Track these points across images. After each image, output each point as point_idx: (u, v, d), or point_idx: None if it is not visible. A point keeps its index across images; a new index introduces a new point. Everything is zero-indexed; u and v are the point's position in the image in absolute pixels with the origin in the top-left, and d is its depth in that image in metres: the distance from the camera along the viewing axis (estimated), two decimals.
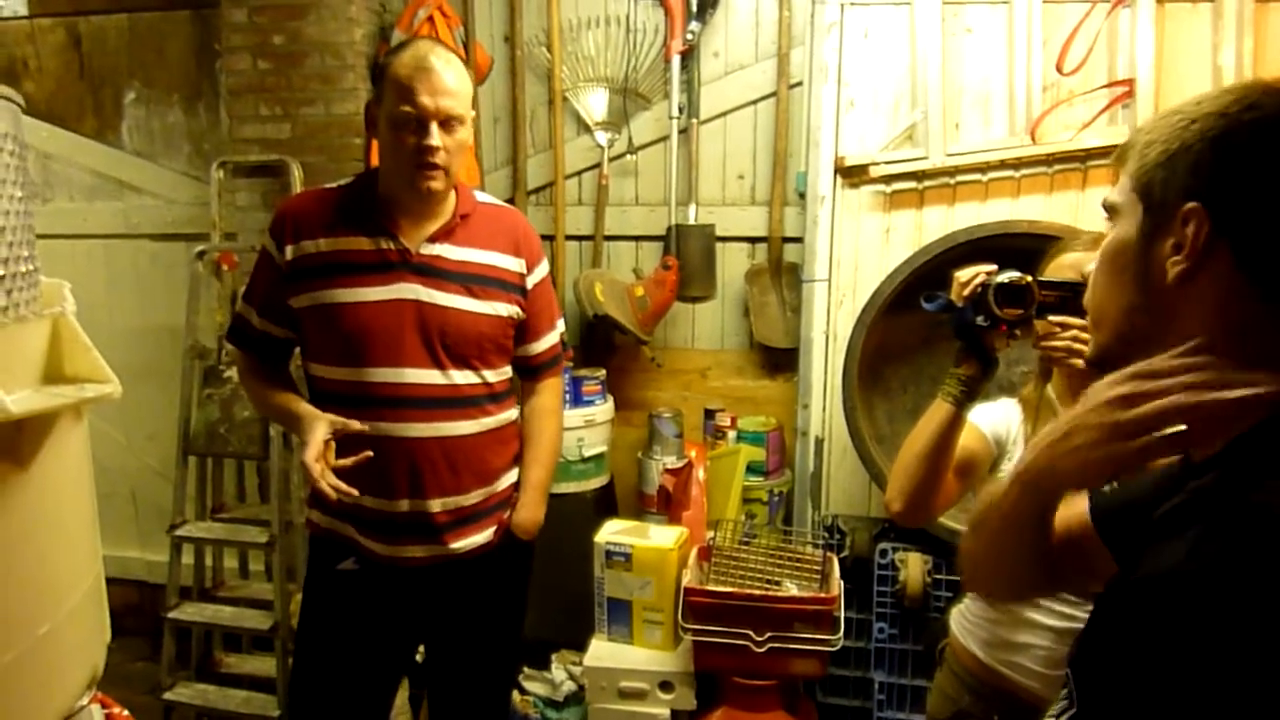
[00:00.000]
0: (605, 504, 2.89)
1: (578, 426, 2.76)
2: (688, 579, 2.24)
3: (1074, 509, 0.95)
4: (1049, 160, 2.37)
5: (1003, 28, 2.39)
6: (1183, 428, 0.69)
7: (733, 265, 3.00)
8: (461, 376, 1.74)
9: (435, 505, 1.74)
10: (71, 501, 0.89)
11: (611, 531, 2.39)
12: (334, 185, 1.82)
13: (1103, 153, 2.31)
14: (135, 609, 3.53)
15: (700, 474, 2.63)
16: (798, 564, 2.31)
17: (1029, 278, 1.34)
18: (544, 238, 2.96)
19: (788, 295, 2.90)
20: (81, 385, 0.85)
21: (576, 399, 2.81)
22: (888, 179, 2.46)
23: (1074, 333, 1.35)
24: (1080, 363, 1.34)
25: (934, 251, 2.30)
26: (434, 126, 1.63)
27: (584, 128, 3.03)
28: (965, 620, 1.64)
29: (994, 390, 2.36)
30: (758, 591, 2.18)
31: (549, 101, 3.01)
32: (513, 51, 3.01)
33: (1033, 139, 2.36)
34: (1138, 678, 0.63)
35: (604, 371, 2.92)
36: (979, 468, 1.58)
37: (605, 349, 3.08)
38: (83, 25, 3.35)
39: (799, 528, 2.64)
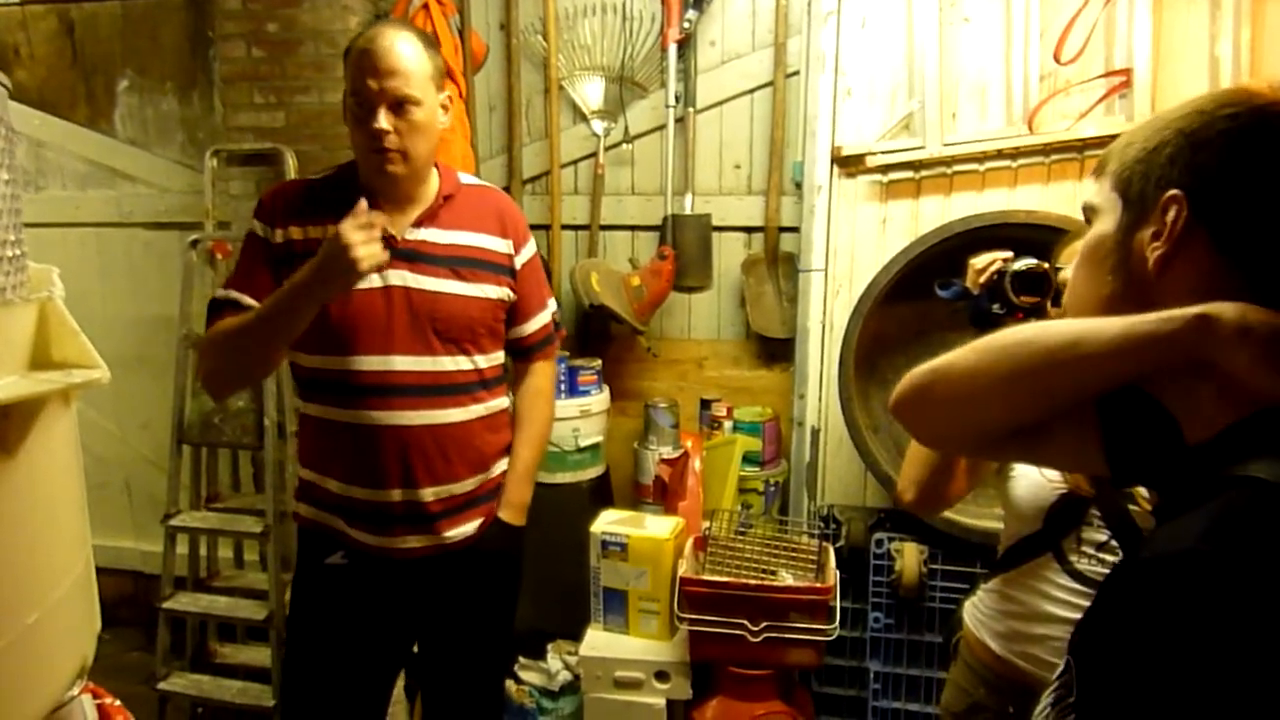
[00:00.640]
0: (601, 494, 2.88)
1: (573, 416, 2.75)
2: (683, 569, 2.24)
3: None
4: (1046, 150, 2.36)
5: (1000, 17, 2.38)
6: None
7: (729, 255, 2.99)
8: (453, 362, 1.73)
9: (428, 494, 1.72)
10: (60, 489, 0.89)
11: (607, 522, 2.39)
12: (316, 175, 1.81)
13: (1100, 143, 2.30)
14: (130, 599, 3.52)
15: (696, 464, 2.62)
16: (793, 554, 2.31)
17: (1045, 265, 1.34)
18: (540, 227, 2.98)
19: (784, 285, 2.90)
20: (69, 371, 0.84)
21: (572, 389, 2.80)
22: (884, 169, 2.45)
23: None
24: None
25: (930, 241, 2.30)
26: (381, 110, 1.60)
27: (580, 116, 3.02)
28: (979, 613, 1.62)
29: None
30: (753, 581, 2.18)
31: (545, 90, 3.00)
32: (508, 40, 2.99)
33: (1030, 129, 2.35)
34: (1143, 662, 0.62)
35: (600, 361, 2.91)
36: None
37: (601, 339, 3.07)
38: (75, 12, 3.33)
39: (795, 518, 2.63)
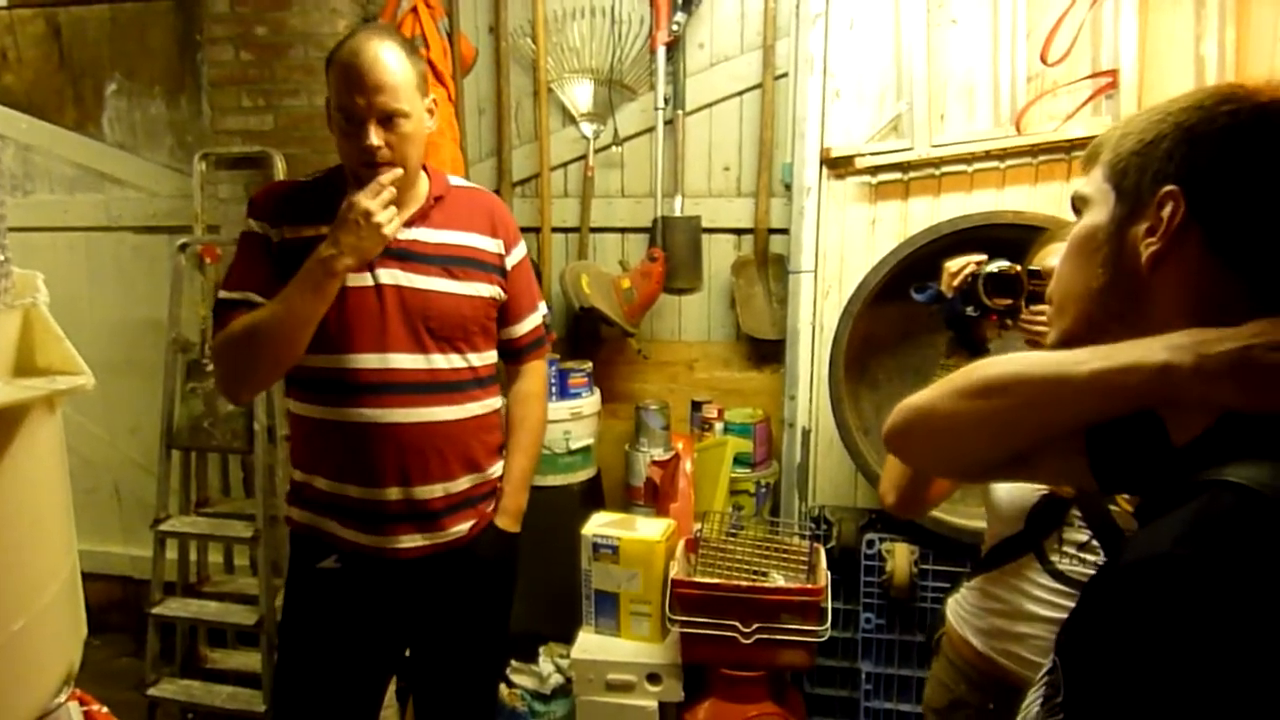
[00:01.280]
0: (592, 497, 2.88)
1: (564, 419, 2.75)
2: (675, 571, 2.24)
3: None
4: (1034, 151, 2.37)
5: (987, 18, 2.39)
6: None
7: (719, 257, 2.99)
8: (446, 361, 1.73)
9: (423, 492, 1.73)
10: (45, 494, 0.88)
11: (599, 524, 2.39)
12: (306, 178, 1.80)
13: (1087, 143, 2.30)
14: (119, 605, 3.50)
15: (687, 466, 2.62)
16: (785, 555, 2.31)
17: (1018, 267, 1.34)
18: (529, 230, 2.98)
19: (774, 287, 2.90)
20: (53, 377, 0.83)
21: (563, 391, 2.80)
22: (873, 170, 2.45)
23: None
24: None
25: (920, 242, 2.31)
26: (371, 126, 1.60)
27: (569, 119, 3.02)
28: (962, 610, 1.63)
29: None
30: (745, 583, 2.18)
31: (534, 93, 3.00)
32: (497, 42, 2.99)
33: (1018, 130, 2.36)
34: (1127, 665, 0.63)
35: (590, 364, 2.91)
36: None
37: (592, 341, 3.07)
38: (62, 15, 3.32)
39: (786, 519, 2.64)
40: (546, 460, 2.73)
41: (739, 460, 2.78)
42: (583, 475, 2.85)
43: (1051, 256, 0.90)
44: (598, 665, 2.29)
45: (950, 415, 0.87)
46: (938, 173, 2.43)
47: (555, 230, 3.05)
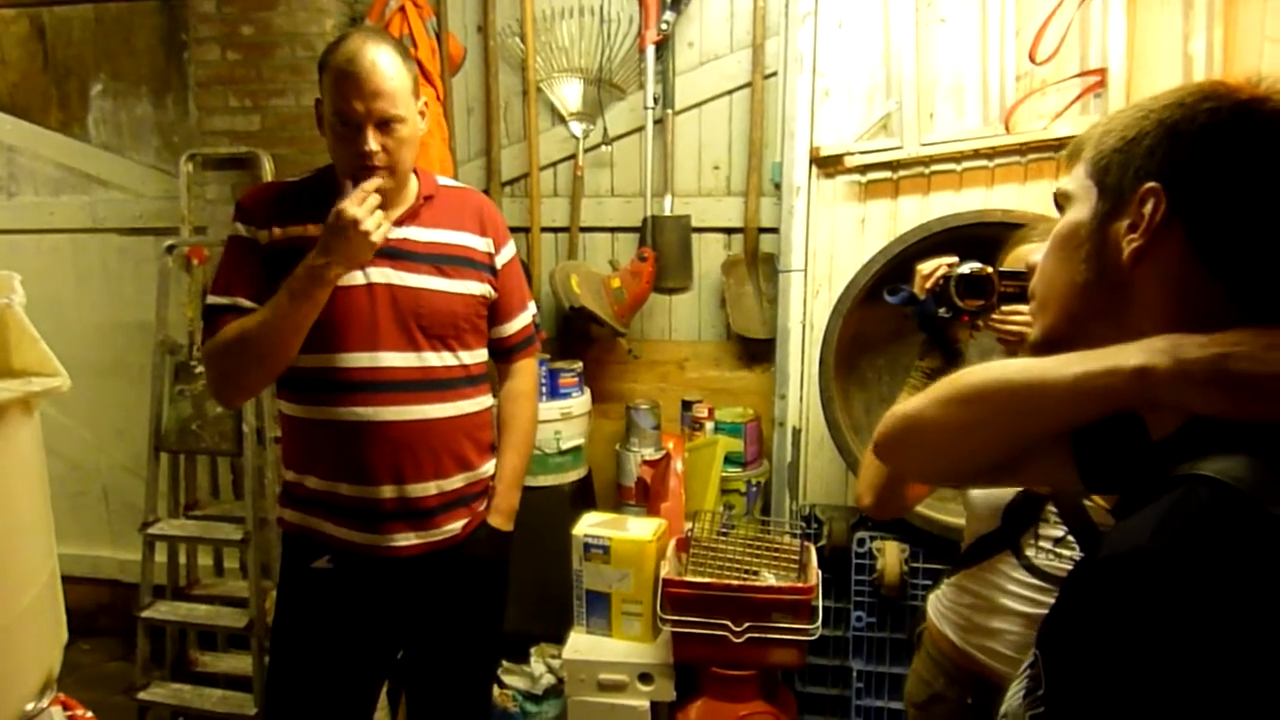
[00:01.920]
0: (583, 497, 2.88)
1: (554, 419, 2.74)
2: (666, 570, 2.24)
3: None
4: (1023, 150, 2.37)
5: (976, 17, 2.39)
6: None
7: (709, 256, 2.99)
8: (438, 359, 1.74)
9: (417, 490, 1.73)
10: (22, 497, 0.87)
11: (589, 524, 2.38)
12: (295, 178, 1.81)
13: None
14: (108, 609, 3.49)
15: (678, 465, 2.62)
16: (776, 554, 2.31)
17: (990, 269, 1.34)
18: (519, 229, 2.97)
19: (764, 286, 2.90)
20: (29, 379, 0.82)
21: (553, 391, 2.79)
22: (863, 169, 2.45)
23: (1025, 317, 1.35)
24: None
25: (909, 241, 2.31)
26: (369, 131, 1.60)
27: (559, 118, 3.01)
28: (941, 605, 1.65)
29: None
30: (736, 582, 2.18)
31: (523, 92, 2.99)
32: (486, 42, 2.98)
33: (1006, 129, 2.36)
34: (1107, 660, 0.64)
35: (581, 364, 2.90)
36: None
37: (582, 341, 3.07)
38: (47, 15, 3.30)
39: (777, 518, 2.64)
40: (537, 460, 2.73)
41: (730, 459, 2.77)
42: (573, 475, 2.85)
43: (1035, 254, 0.90)
44: (589, 665, 2.28)
45: (937, 423, 0.89)
46: (927, 171, 2.44)
47: (545, 230, 3.04)
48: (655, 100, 2.88)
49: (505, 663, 2.73)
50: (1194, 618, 0.59)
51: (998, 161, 2.39)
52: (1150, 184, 0.73)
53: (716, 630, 2.12)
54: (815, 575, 2.19)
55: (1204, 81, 0.77)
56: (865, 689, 2.52)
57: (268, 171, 2.83)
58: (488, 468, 1.88)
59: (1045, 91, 2.36)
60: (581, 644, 2.33)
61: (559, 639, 2.44)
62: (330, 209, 1.62)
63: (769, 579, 2.22)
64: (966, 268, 1.35)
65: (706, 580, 2.18)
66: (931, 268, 1.39)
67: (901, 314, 1.49)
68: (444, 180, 1.87)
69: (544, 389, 2.74)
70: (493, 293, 1.83)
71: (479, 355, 1.84)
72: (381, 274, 1.69)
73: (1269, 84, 0.73)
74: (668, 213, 2.93)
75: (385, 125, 1.62)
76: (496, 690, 2.65)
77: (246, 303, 1.67)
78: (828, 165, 2.49)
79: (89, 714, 0.96)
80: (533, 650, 2.75)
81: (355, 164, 1.63)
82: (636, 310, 2.92)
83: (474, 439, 1.83)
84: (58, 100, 3.35)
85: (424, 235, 1.75)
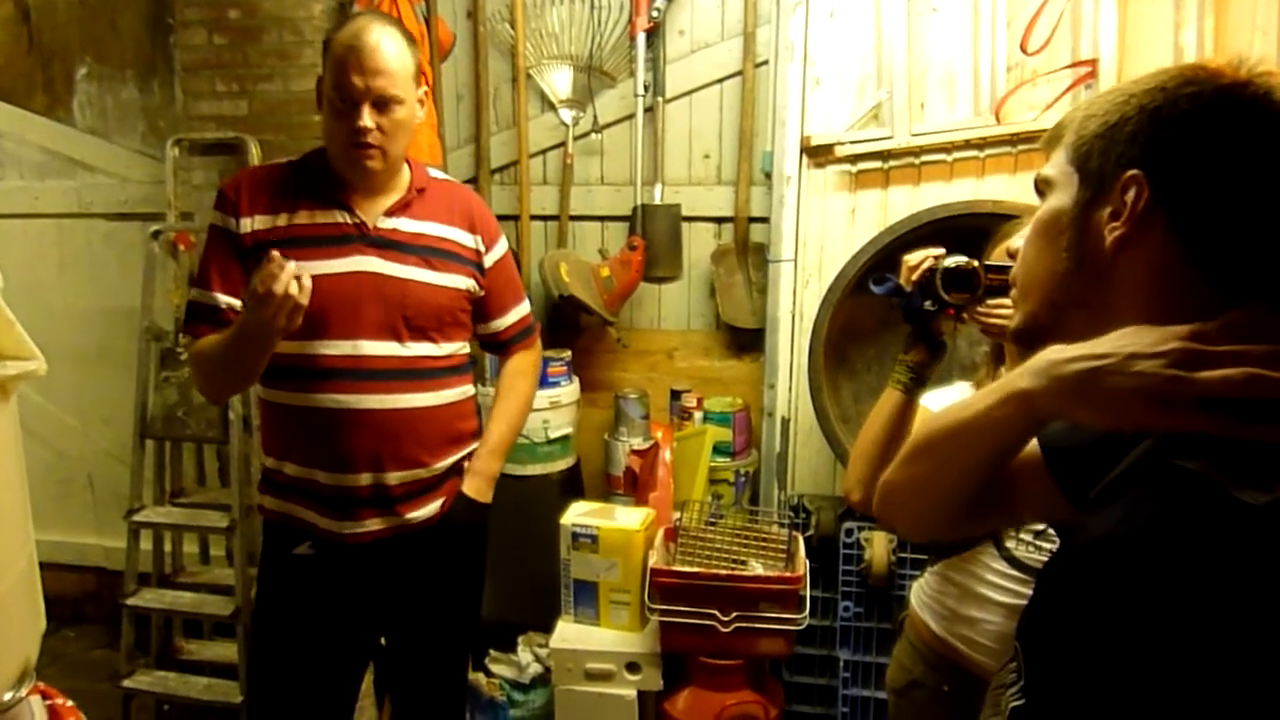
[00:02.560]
0: (571, 486, 2.87)
1: (543, 408, 2.74)
2: (654, 560, 2.24)
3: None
4: (1013, 140, 2.37)
5: (968, 7, 2.38)
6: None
7: (699, 245, 2.98)
8: (420, 349, 1.74)
9: (394, 478, 1.74)
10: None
11: (578, 513, 2.38)
12: (284, 161, 1.80)
13: None
14: (93, 596, 3.48)
15: (667, 455, 2.62)
16: (764, 544, 2.31)
17: (975, 262, 1.33)
18: (508, 217, 2.96)
19: (754, 275, 2.89)
20: (4, 363, 0.81)
21: (542, 380, 2.75)
22: (853, 159, 2.45)
23: (1009, 309, 1.34)
24: None
25: (899, 231, 2.30)
26: (365, 108, 1.61)
27: (548, 105, 2.99)
28: (923, 593, 1.68)
29: (956, 370, 2.38)
30: (724, 571, 2.18)
31: (512, 79, 2.97)
32: (475, 28, 2.96)
33: (997, 119, 2.36)
34: (1082, 645, 0.65)
35: (569, 353, 2.89)
36: None
37: (571, 330, 3.06)
38: None
39: (765, 507, 2.64)
40: (525, 449, 2.72)
41: (718, 449, 2.77)
42: (562, 464, 2.85)
43: (1017, 239, 0.90)
44: (577, 654, 2.28)
45: (904, 483, 0.95)
46: (917, 161, 2.43)
47: (534, 218, 3.03)
48: (646, 88, 2.86)
49: (492, 652, 2.73)
50: (1164, 603, 0.61)
51: (988, 152, 2.39)
52: (1132, 171, 0.73)
53: (704, 620, 2.12)
54: (803, 565, 2.20)
55: (1185, 65, 0.76)
56: (852, 678, 2.53)
57: (255, 157, 2.81)
58: (466, 452, 1.88)
59: (1036, 82, 2.36)
60: (569, 633, 2.33)
61: (546, 628, 2.44)
62: (321, 196, 1.68)
63: (757, 569, 2.23)
64: (952, 260, 1.34)
65: (694, 570, 2.18)
66: (917, 259, 1.38)
67: (888, 304, 1.48)
68: (436, 173, 1.88)
69: (540, 366, 2.73)
70: (478, 289, 1.84)
71: (460, 347, 1.84)
72: (369, 264, 1.69)
73: (1249, 67, 0.72)
74: (658, 201, 2.92)
75: (383, 105, 1.62)
76: (484, 679, 2.65)
77: (223, 297, 1.70)
78: (818, 155, 2.48)
79: (69, 703, 0.95)
80: (520, 639, 2.75)
81: (348, 141, 1.63)
82: (626, 299, 2.91)
83: (455, 428, 1.83)
84: (42, 84, 3.31)
85: (412, 227, 1.75)
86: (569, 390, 2.84)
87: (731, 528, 2.38)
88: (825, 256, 2.52)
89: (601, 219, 3.03)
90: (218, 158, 2.93)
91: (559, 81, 2.96)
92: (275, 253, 1.51)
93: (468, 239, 1.82)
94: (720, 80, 2.88)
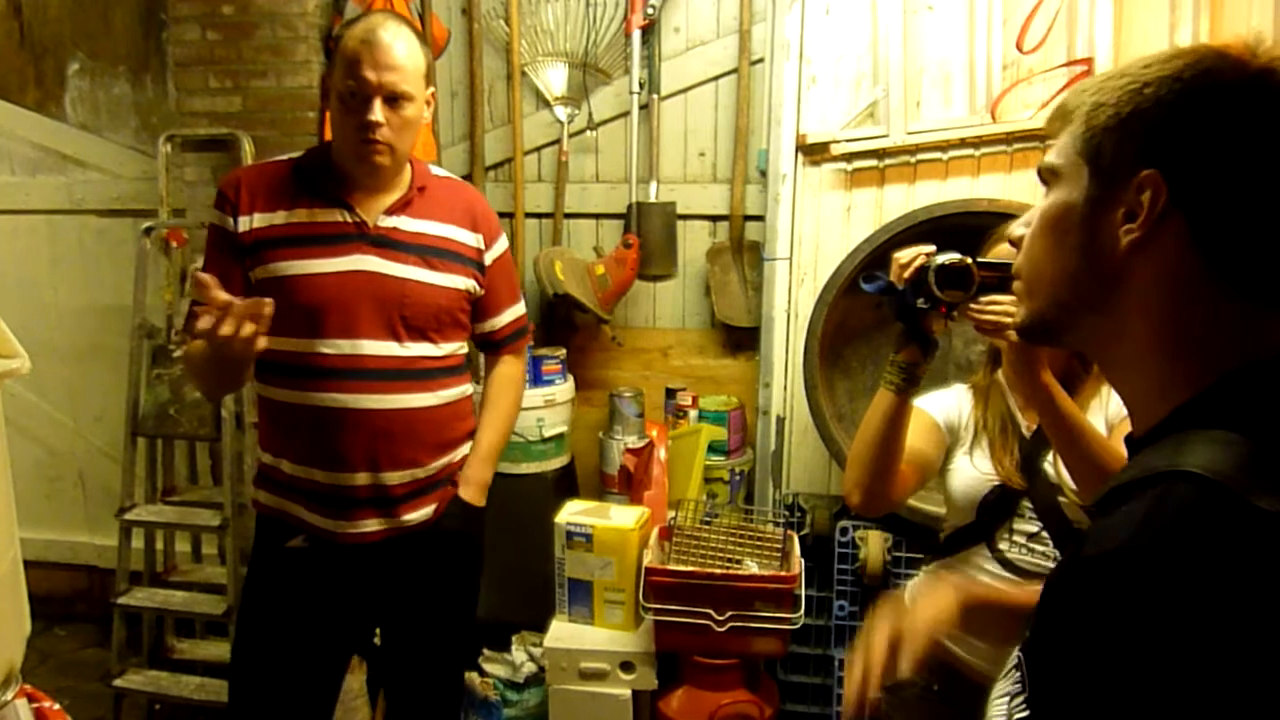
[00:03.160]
0: (566, 484, 2.86)
1: (537, 406, 2.73)
2: (649, 559, 2.23)
3: None
4: (1009, 139, 2.37)
5: (963, 5, 2.38)
6: None
7: (694, 243, 2.97)
8: (418, 349, 1.73)
9: (392, 478, 1.73)
10: None
11: (572, 512, 2.37)
12: (284, 158, 1.79)
13: None
14: (85, 594, 3.46)
15: (661, 454, 2.61)
16: (759, 543, 2.30)
17: (968, 259, 1.32)
18: (503, 215, 2.94)
19: (749, 274, 2.88)
20: None
21: (536, 379, 2.77)
22: (849, 157, 2.44)
23: (1004, 307, 1.33)
24: (1014, 335, 1.33)
25: (895, 230, 2.30)
26: (377, 102, 1.61)
27: (543, 103, 2.98)
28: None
29: (951, 369, 2.38)
30: (719, 571, 2.17)
31: (507, 76, 2.96)
32: (470, 24, 2.95)
33: (993, 117, 2.36)
34: (1090, 658, 0.62)
35: (564, 351, 2.89)
36: (933, 456, 1.59)
37: (565, 328, 3.05)
38: None
39: (760, 506, 2.63)
40: (520, 448, 2.71)
41: (713, 448, 2.76)
42: (556, 463, 2.84)
43: (1019, 227, 0.88)
44: (571, 654, 2.27)
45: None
46: (913, 160, 2.43)
47: (529, 216, 3.02)
48: (641, 85, 2.85)
49: (486, 651, 2.72)
50: (1179, 616, 0.58)
51: (984, 150, 2.39)
52: (1148, 170, 0.69)
53: (699, 619, 2.12)
54: (798, 564, 2.19)
55: (1200, 49, 0.71)
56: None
57: (248, 153, 2.79)
58: (463, 453, 1.87)
59: (1032, 80, 2.36)
60: (563, 632, 2.33)
61: (540, 627, 2.43)
62: (321, 193, 1.69)
63: (752, 568, 2.22)
64: (944, 258, 1.32)
65: (689, 569, 2.17)
66: (909, 257, 1.36)
67: (877, 303, 1.47)
68: (437, 171, 1.87)
69: (527, 376, 2.72)
70: (479, 289, 1.83)
71: (459, 347, 1.83)
72: (368, 262, 1.69)
73: (1266, 50, 0.68)
74: (653, 199, 2.91)
75: (394, 101, 1.62)
76: (478, 679, 2.64)
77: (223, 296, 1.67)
78: (814, 153, 2.47)
79: (56, 706, 0.94)
80: (514, 638, 2.74)
81: (357, 136, 1.63)
82: (620, 297, 2.91)
83: (452, 427, 1.83)
84: (34, 79, 3.29)
85: (413, 226, 1.74)
86: (563, 388, 2.83)
87: (726, 526, 2.37)
88: (820, 255, 2.51)
89: (596, 217, 3.02)
90: (210, 154, 2.91)
91: (554, 78, 2.94)
92: (220, 296, 1.42)
93: (469, 237, 1.81)
94: (715, 78, 2.87)
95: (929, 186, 2.43)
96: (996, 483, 1.53)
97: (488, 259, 1.84)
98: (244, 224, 1.68)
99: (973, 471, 1.56)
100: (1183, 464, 0.63)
